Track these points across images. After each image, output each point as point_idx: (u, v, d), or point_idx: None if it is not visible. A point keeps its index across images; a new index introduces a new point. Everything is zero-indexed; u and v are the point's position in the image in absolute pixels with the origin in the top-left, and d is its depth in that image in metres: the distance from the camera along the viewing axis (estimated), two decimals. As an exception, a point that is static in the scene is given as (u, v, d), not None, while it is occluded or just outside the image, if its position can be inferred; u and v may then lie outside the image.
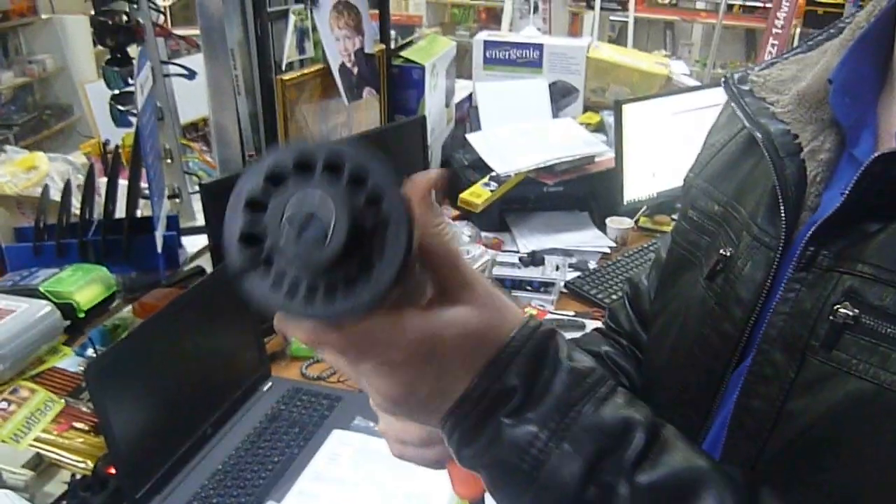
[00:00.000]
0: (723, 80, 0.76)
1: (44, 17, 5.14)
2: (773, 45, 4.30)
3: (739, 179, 0.74)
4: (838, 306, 0.57)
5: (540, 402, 0.51)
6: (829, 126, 0.67)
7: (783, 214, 0.65)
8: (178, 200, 2.00)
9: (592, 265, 2.15)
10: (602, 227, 2.33)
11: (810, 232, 0.61)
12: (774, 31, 4.27)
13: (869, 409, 0.54)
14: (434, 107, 2.42)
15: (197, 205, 1.97)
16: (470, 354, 0.51)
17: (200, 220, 1.87)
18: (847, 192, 0.58)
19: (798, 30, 4.74)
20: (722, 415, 0.69)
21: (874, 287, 0.55)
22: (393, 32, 2.30)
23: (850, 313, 0.56)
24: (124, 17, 1.77)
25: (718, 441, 0.68)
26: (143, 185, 1.74)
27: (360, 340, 0.47)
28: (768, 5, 4.53)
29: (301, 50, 1.85)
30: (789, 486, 0.60)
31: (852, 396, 0.55)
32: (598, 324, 1.85)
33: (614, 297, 1.96)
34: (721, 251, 0.72)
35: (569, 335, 1.72)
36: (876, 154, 0.56)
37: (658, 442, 0.54)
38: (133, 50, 1.79)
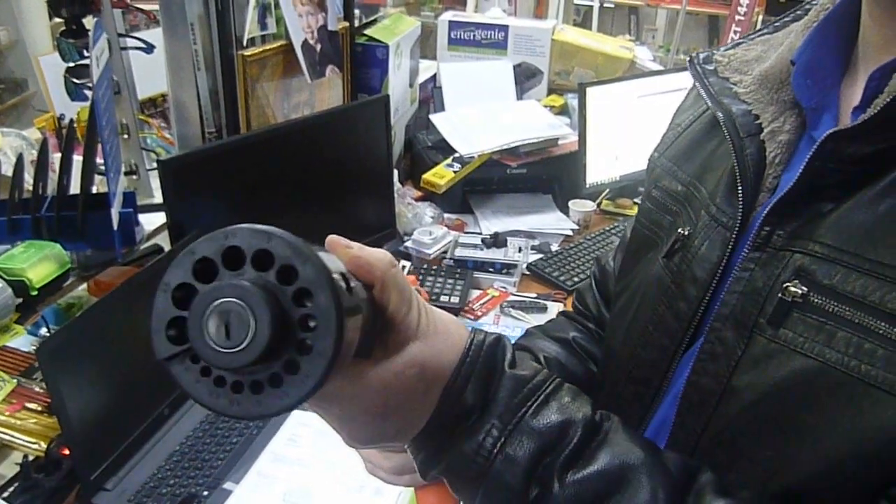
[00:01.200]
0: (688, 59, 0.76)
1: (-3, -13, 5.01)
2: (735, 32, 4.33)
3: (702, 159, 0.75)
4: (788, 284, 0.57)
5: (485, 411, 0.55)
6: (790, 107, 0.67)
7: (741, 195, 0.65)
8: (135, 177, 1.96)
9: (555, 247, 2.15)
10: (565, 210, 2.34)
11: (765, 211, 0.61)
12: (737, 17, 4.30)
13: (813, 386, 0.55)
14: (398, 86, 2.40)
15: (155, 182, 1.93)
16: (427, 387, 0.53)
17: (158, 198, 1.83)
18: (801, 171, 0.58)
19: (760, 17, 4.77)
20: (672, 393, 0.70)
21: (824, 265, 0.56)
22: (357, 11, 2.27)
23: (799, 291, 0.57)
24: (80, -12, 1.73)
25: (668, 418, 0.68)
26: (99, 160, 1.70)
27: (322, 401, 0.51)
28: (731, -8, 4.56)
29: (263, 26, 1.81)
30: (731, 461, 0.61)
31: (797, 374, 0.56)
32: (560, 306, 1.86)
33: (576, 279, 1.97)
34: (679, 230, 0.72)
35: (531, 317, 1.73)
36: (828, 132, 0.56)
37: (597, 438, 0.56)
38: (89, 21, 1.74)
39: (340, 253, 0.51)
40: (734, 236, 0.65)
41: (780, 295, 0.58)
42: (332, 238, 0.52)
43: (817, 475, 0.55)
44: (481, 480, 0.55)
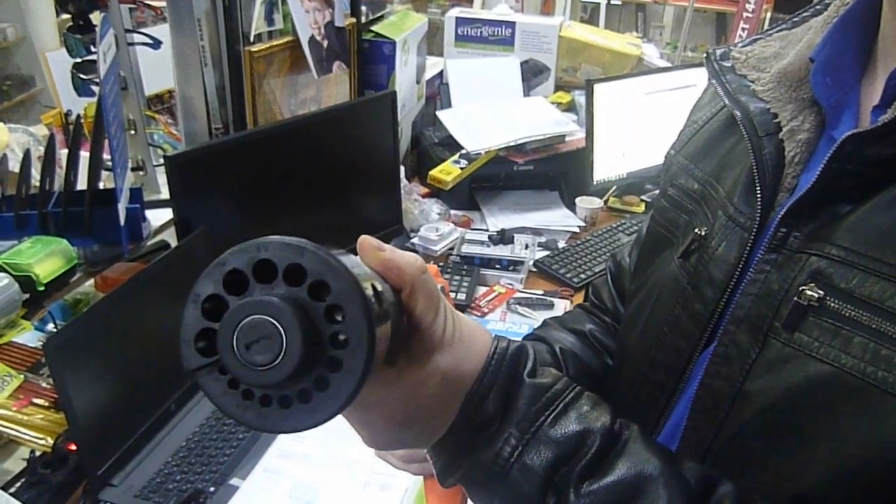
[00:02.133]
0: (704, 55, 0.75)
1: (4, -16, 5.01)
2: (743, 29, 4.31)
3: (719, 158, 0.73)
4: (804, 287, 0.56)
5: (504, 420, 0.54)
6: (809, 106, 0.66)
7: (759, 195, 0.64)
8: (141, 173, 1.96)
9: (561, 244, 2.15)
10: (571, 207, 2.33)
11: (782, 213, 0.60)
12: (745, 14, 4.29)
13: (828, 392, 0.54)
14: (404, 83, 2.40)
15: (162, 178, 1.93)
16: (449, 395, 0.53)
17: (165, 194, 1.83)
18: (818, 173, 0.57)
19: (769, 14, 4.76)
20: (687, 395, 0.69)
21: (841, 269, 0.55)
22: (364, 7, 2.27)
23: (816, 295, 0.55)
24: (87, -16, 1.72)
25: (682, 421, 0.67)
26: (106, 156, 1.70)
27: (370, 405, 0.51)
28: (739, -12, 4.54)
29: (270, 21, 1.81)
30: (743, 467, 0.60)
31: (812, 379, 0.55)
32: (567, 303, 1.86)
33: (583, 276, 1.97)
34: (696, 230, 0.71)
35: (538, 314, 1.72)
36: (847, 134, 0.55)
37: (615, 448, 0.55)
38: (96, 17, 1.74)
39: (371, 255, 0.50)
40: (752, 237, 0.64)
41: (795, 298, 0.57)
42: (364, 239, 0.51)
43: (832, 483, 0.54)
44: (498, 488, 0.54)
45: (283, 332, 0.35)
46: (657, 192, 2.64)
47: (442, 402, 0.53)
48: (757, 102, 0.68)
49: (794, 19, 0.73)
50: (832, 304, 0.55)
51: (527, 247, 2.03)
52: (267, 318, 0.35)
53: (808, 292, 0.56)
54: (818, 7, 0.70)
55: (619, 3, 6.48)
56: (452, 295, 1.79)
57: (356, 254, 0.49)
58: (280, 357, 0.35)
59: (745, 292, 0.62)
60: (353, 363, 0.37)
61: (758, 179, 0.64)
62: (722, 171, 0.72)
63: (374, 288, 0.41)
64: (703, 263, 0.69)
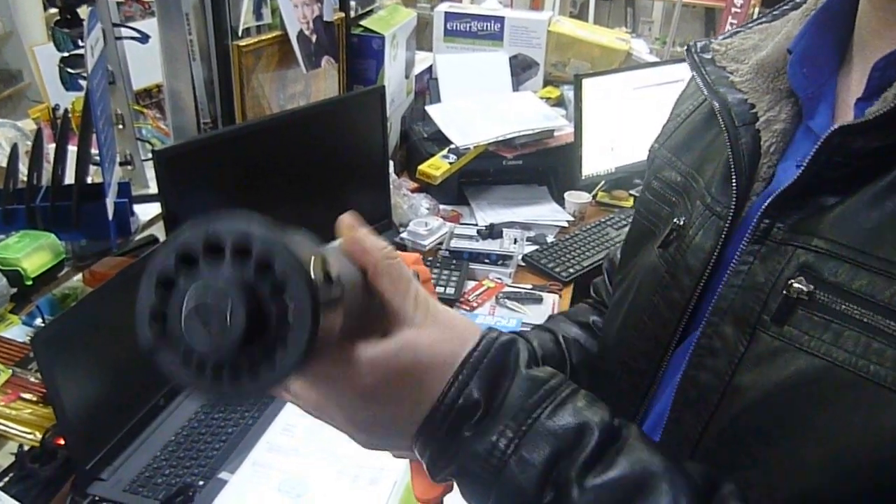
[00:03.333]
0: (685, 48, 0.76)
1: (-9, -22, 4.98)
2: (731, 24, 4.33)
3: (701, 150, 0.74)
4: (792, 281, 0.56)
5: (499, 411, 0.53)
6: (786, 96, 0.66)
7: (734, 184, 0.64)
8: (130, 167, 1.95)
9: (550, 239, 2.15)
10: (560, 202, 2.34)
11: (765, 204, 0.60)
12: (733, 10, 4.31)
13: (820, 386, 0.54)
14: (394, 77, 2.40)
15: (150, 172, 1.92)
16: (423, 374, 0.53)
17: (153, 188, 1.83)
18: (805, 164, 0.57)
19: (756, 8, 4.77)
20: (669, 386, 0.69)
21: (829, 262, 0.54)
22: (353, 1, 2.26)
23: (805, 288, 0.55)
24: (74, -23, 1.72)
25: (665, 412, 0.67)
26: (94, 151, 1.69)
27: (314, 384, 0.52)
28: (728, -16, 4.55)
29: (258, 16, 1.81)
30: (735, 462, 0.59)
31: (803, 373, 0.54)
32: (556, 297, 1.86)
33: (571, 270, 1.97)
34: (675, 220, 0.72)
35: (527, 308, 1.73)
36: (835, 126, 0.55)
37: (616, 444, 0.54)
38: (84, 11, 1.73)
39: (343, 232, 0.53)
40: (727, 226, 0.64)
41: (784, 291, 0.56)
42: (343, 216, 0.53)
43: (826, 479, 0.53)
44: (494, 483, 0.53)
45: (228, 307, 0.37)
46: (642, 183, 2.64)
47: (415, 380, 0.52)
48: (735, 93, 0.68)
49: (775, 12, 0.73)
50: (822, 298, 0.54)
51: (515, 241, 2.03)
52: (213, 295, 0.37)
53: (797, 286, 0.55)
54: (798, 0, 0.71)
55: (609, -2, 6.49)
56: (441, 289, 1.79)
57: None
58: (225, 332, 0.37)
59: (729, 283, 0.61)
60: (296, 337, 0.38)
61: (734, 169, 0.65)
62: (703, 162, 0.72)
63: (324, 266, 0.42)
64: (680, 252, 0.69)
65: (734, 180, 0.64)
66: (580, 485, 0.52)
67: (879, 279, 0.51)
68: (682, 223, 0.71)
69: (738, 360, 0.59)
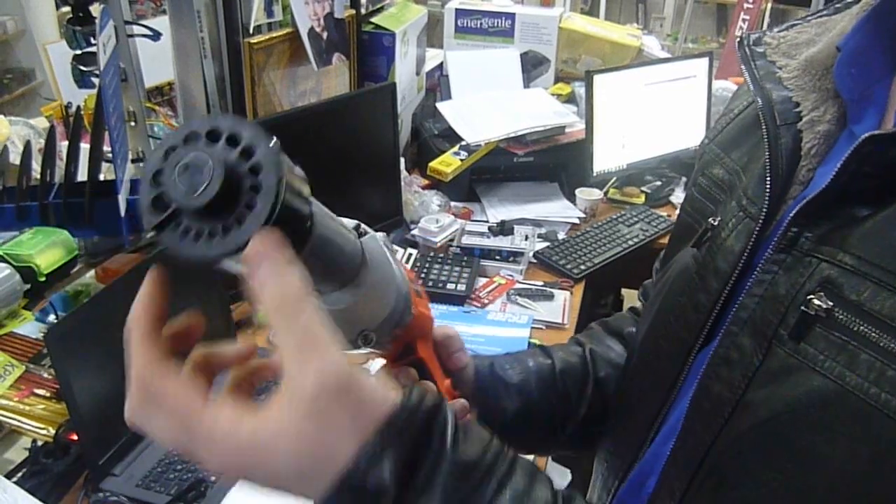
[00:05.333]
0: (737, 40, 0.72)
1: (4, -22, 5.01)
2: (744, 20, 4.31)
3: (749, 148, 0.70)
4: (812, 296, 0.53)
5: (420, 497, 0.44)
6: (833, 97, 0.62)
7: (768, 185, 0.61)
8: (142, 164, 1.96)
9: (561, 235, 2.15)
10: (571, 198, 2.34)
11: (794, 211, 0.56)
12: (746, 5, 4.28)
13: (829, 410, 0.51)
14: (404, 74, 2.40)
15: (162, 170, 1.93)
16: (299, 482, 0.44)
17: (165, 186, 1.83)
18: (834, 174, 0.53)
19: (769, 5, 4.75)
20: (688, 392, 0.66)
21: (853, 279, 0.51)
22: (363, -1, 2.27)
23: (824, 305, 0.52)
24: (86, -25, 1.72)
25: (679, 422, 0.65)
26: (107, 148, 1.70)
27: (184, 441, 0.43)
28: (740, -20, 4.53)
29: (269, 13, 1.81)
30: (737, 480, 0.57)
31: (814, 395, 0.52)
32: (567, 294, 1.86)
33: (583, 267, 1.97)
34: (710, 219, 0.69)
35: (538, 305, 1.72)
36: (866, 135, 0.52)
37: None
38: (96, 9, 1.74)
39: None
40: (758, 228, 0.61)
41: (802, 307, 0.53)
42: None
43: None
44: None
45: (210, 170, 0.43)
46: (658, 183, 2.64)
47: (294, 478, 0.43)
48: (781, 90, 0.64)
49: (837, 5, 0.69)
50: (840, 317, 0.51)
51: (527, 238, 2.03)
52: (200, 159, 0.44)
53: (817, 301, 0.52)
54: None
55: (620, -6, 6.48)
56: (452, 286, 1.79)
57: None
58: (203, 188, 0.43)
59: (750, 293, 0.59)
60: (265, 194, 0.44)
61: (769, 170, 0.61)
62: (750, 161, 0.69)
63: (300, 185, 0.49)
64: (711, 253, 0.67)
65: (768, 181, 0.61)
66: None
67: None
68: (716, 223, 0.68)
69: (752, 375, 0.56)
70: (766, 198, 0.61)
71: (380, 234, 0.61)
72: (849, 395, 0.49)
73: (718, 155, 0.75)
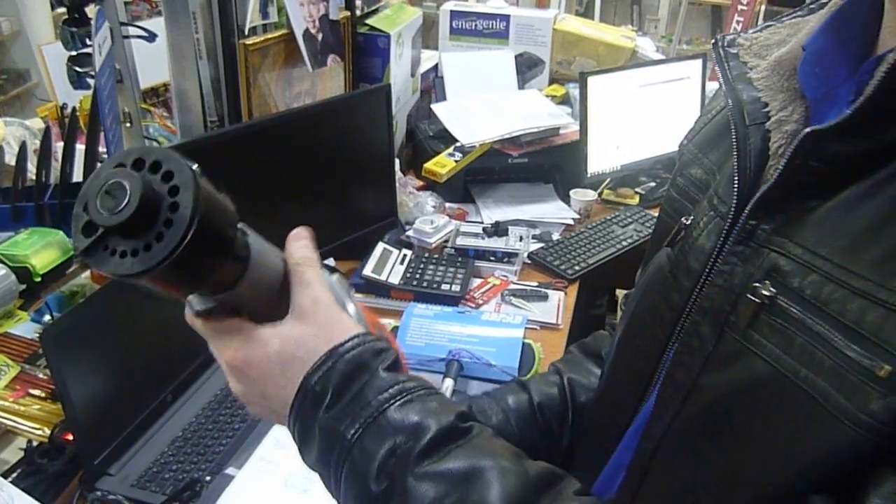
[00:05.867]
0: (713, 41, 0.73)
1: (-2, -22, 5.00)
2: (738, 22, 4.33)
3: (725, 148, 0.71)
4: (758, 285, 0.56)
5: (351, 402, 0.58)
6: (800, 96, 0.63)
7: (736, 185, 0.62)
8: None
9: (556, 236, 2.16)
10: (566, 199, 2.34)
11: (750, 204, 0.59)
12: (740, 7, 4.30)
13: (765, 393, 0.53)
14: (399, 76, 2.40)
15: (157, 171, 1.93)
16: (291, 363, 0.60)
17: (161, 187, 1.84)
18: (781, 167, 0.56)
19: (763, 7, 4.76)
20: (659, 386, 0.69)
21: (797, 268, 0.54)
22: (358, 0, 2.27)
23: (768, 293, 0.55)
24: (82, -23, 1.73)
25: (649, 412, 0.68)
26: (102, 149, 1.70)
27: (206, 336, 0.62)
28: (734, -18, 4.54)
29: (264, 14, 1.81)
30: (689, 463, 0.60)
31: (752, 378, 0.54)
32: (561, 295, 1.87)
33: (577, 268, 1.98)
34: (683, 219, 0.71)
35: (532, 305, 1.73)
36: (807, 129, 0.54)
37: (456, 442, 0.59)
38: (91, 10, 1.74)
39: (288, 239, 0.65)
40: (727, 227, 0.63)
41: (749, 295, 0.56)
42: (297, 229, 0.65)
43: (769, 491, 0.52)
44: (342, 467, 0.58)
45: (127, 191, 0.46)
46: (652, 184, 2.64)
47: (280, 365, 0.59)
48: (751, 90, 0.66)
49: (811, 6, 0.70)
50: (783, 304, 0.54)
51: (521, 239, 2.04)
52: (120, 181, 0.47)
53: (762, 290, 0.55)
54: None
55: (615, -4, 6.49)
56: (446, 287, 1.80)
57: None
58: (122, 207, 0.46)
59: (713, 283, 0.62)
60: (180, 219, 0.47)
61: (737, 170, 0.63)
62: (724, 161, 0.70)
63: (223, 208, 0.52)
64: (683, 252, 0.68)
65: (737, 181, 0.63)
66: (411, 473, 0.56)
67: (837, 288, 0.51)
68: (689, 222, 0.70)
69: (705, 360, 0.60)
70: (735, 197, 0.62)
71: (335, 276, 0.67)
72: (782, 378, 0.52)
73: (696, 155, 0.76)
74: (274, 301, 0.61)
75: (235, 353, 0.60)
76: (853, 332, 0.49)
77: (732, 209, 0.62)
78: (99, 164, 1.73)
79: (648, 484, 0.65)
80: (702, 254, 0.65)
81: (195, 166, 0.49)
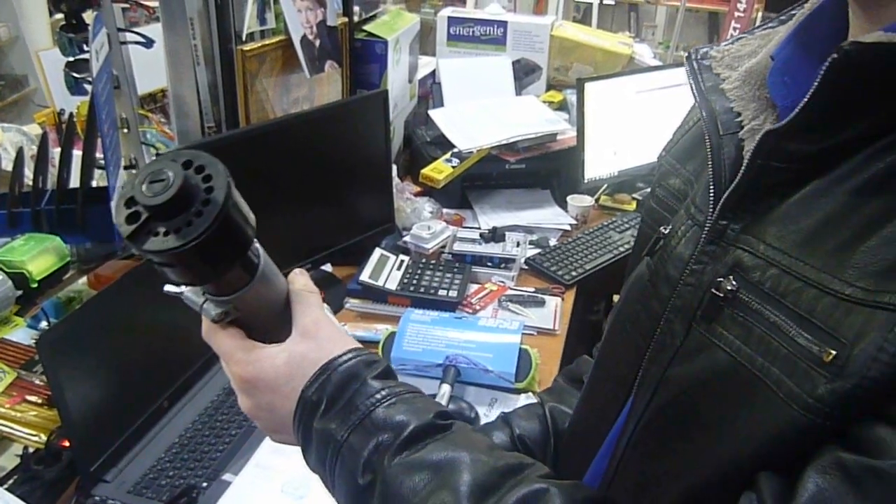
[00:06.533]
0: (686, 55, 0.74)
1: (-3, -16, 5.00)
2: (735, 29, 4.33)
3: (701, 159, 0.72)
4: (722, 280, 0.58)
5: (342, 408, 0.63)
6: (771, 105, 0.65)
7: (712, 193, 0.64)
8: (134, 171, 1.96)
9: (553, 242, 2.16)
10: (563, 205, 2.35)
11: (719, 205, 0.61)
12: (737, 14, 4.31)
13: (725, 383, 0.56)
14: (397, 82, 2.41)
15: (155, 176, 1.93)
16: (295, 377, 0.64)
17: (158, 192, 1.83)
18: (743, 168, 0.58)
19: (760, 13, 4.77)
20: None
21: (758, 263, 0.56)
22: (356, 6, 2.28)
23: (731, 287, 0.57)
24: (79, -18, 1.73)
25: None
26: (99, 155, 1.70)
27: (221, 349, 0.66)
28: (731, -12, 4.55)
29: (262, 21, 1.82)
30: (658, 451, 0.63)
31: (715, 369, 0.57)
32: (558, 300, 1.86)
33: (574, 273, 1.98)
34: (661, 228, 0.72)
35: (529, 311, 1.72)
36: (765, 129, 0.56)
37: (434, 436, 0.63)
38: (89, 16, 1.75)
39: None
40: (704, 235, 0.64)
41: (713, 289, 0.59)
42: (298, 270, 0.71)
43: (724, 476, 0.55)
44: (334, 467, 0.63)
45: (169, 179, 0.52)
46: (648, 190, 2.64)
47: (287, 378, 0.64)
48: (724, 101, 0.67)
49: (782, 17, 0.71)
50: (743, 297, 0.56)
51: (518, 245, 2.04)
52: (163, 171, 0.53)
53: (725, 285, 0.58)
54: (805, 2, 0.68)
55: (612, 2, 6.50)
56: (443, 293, 1.79)
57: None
58: (162, 191, 0.52)
59: (685, 283, 0.64)
60: (213, 203, 0.53)
61: (712, 179, 0.64)
62: (701, 171, 0.71)
63: (247, 214, 0.59)
64: (662, 261, 0.69)
65: (712, 190, 0.64)
66: (390, 464, 0.60)
67: (794, 281, 0.53)
68: (667, 231, 0.71)
69: (674, 354, 0.62)
70: (711, 205, 0.64)
71: (325, 307, 0.72)
72: (740, 368, 0.55)
73: (674, 166, 0.78)
74: (276, 319, 0.67)
75: (245, 367, 0.64)
76: (806, 321, 0.51)
77: (709, 217, 0.63)
78: (97, 170, 1.74)
79: (620, 477, 0.69)
80: (679, 262, 0.66)
81: (228, 172, 0.56)
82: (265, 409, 0.66)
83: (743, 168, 0.58)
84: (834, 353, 0.49)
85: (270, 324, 0.67)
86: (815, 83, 0.52)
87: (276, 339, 0.67)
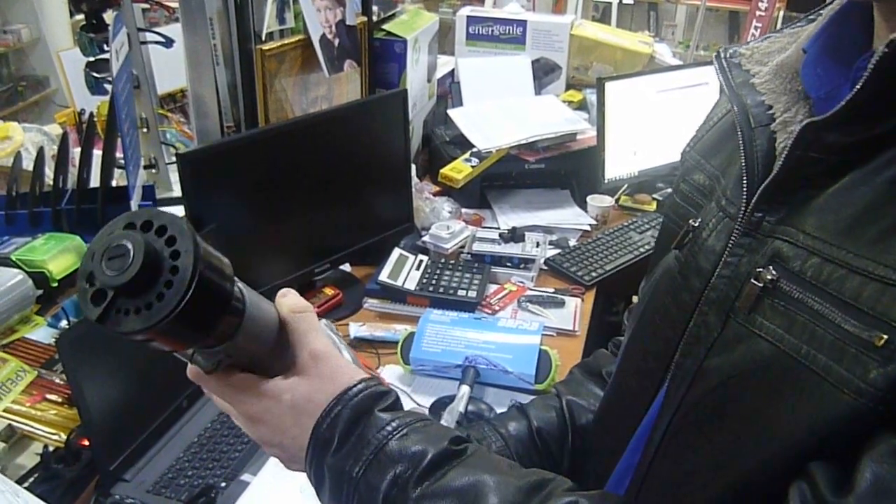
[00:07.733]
0: (715, 53, 0.75)
1: (19, -14, 5.05)
2: (756, 28, 4.30)
3: (728, 153, 0.73)
4: (762, 270, 0.58)
5: (355, 444, 0.64)
6: (803, 98, 0.65)
7: (745, 186, 0.64)
8: (154, 171, 1.97)
9: (573, 242, 2.15)
10: (583, 205, 2.33)
11: (755, 196, 0.62)
12: (758, 13, 4.27)
13: (769, 372, 0.56)
14: (416, 81, 2.40)
15: (174, 176, 1.94)
16: (303, 416, 0.64)
17: (177, 191, 1.84)
18: (782, 159, 0.59)
19: (781, 12, 4.73)
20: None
21: (799, 252, 0.56)
22: (375, 6, 2.27)
23: (771, 276, 0.57)
24: (100, -17, 1.74)
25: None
26: (119, 154, 1.71)
27: (218, 394, 0.67)
28: (752, -13, 4.51)
29: (281, 20, 1.82)
30: (694, 443, 0.63)
31: (758, 359, 0.57)
32: (578, 301, 1.85)
33: (594, 274, 1.96)
34: (690, 221, 0.72)
35: (549, 312, 1.72)
36: (806, 121, 0.57)
37: (453, 461, 0.63)
38: (109, 16, 1.75)
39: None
40: (738, 227, 0.64)
41: (753, 280, 0.59)
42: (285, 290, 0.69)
43: (769, 465, 0.55)
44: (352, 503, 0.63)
45: (130, 252, 0.49)
46: (669, 190, 2.62)
47: (294, 417, 0.64)
48: (755, 95, 0.68)
49: (810, 16, 0.72)
50: (784, 287, 0.57)
51: (538, 245, 2.02)
52: (121, 243, 0.49)
53: (765, 275, 0.58)
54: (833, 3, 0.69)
55: (632, 1, 6.46)
56: (463, 293, 1.79)
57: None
58: (125, 268, 0.49)
59: (719, 275, 0.64)
60: (181, 279, 0.49)
61: (745, 171, 0.64)
62: (729, 165, 0.72)
63: (220, 265, 0.54)
64: (693, 253, 0.70)
65: (745, 182, 0.64)
66: (412, 496, 0.61)
67: (837, 269, 0.53)
68: (697, 224, 0.71)
69: (711, 345, 0.62)
70: (744, 197, 0.64)
71: (323, 321, 0.71)
72: (785, 357, 0.55)
73: (699, 161, 0.78)
74: (273, 350, 0.66)
75: (250, 407, 0.65)
76: (851, 308, 0.51)
77: (742, 209, 0.64)
78: (117, 170, 1.74)
79: (653, 473, 0.68)
80: (712, 254, 0.67)
81: (191, 229, 0.52)
82: (276, 444, 0.67)
83: (782, 159, 0.59)
84: (886, 337, 0.49)
85: (266, 357, 0.66)
86: (865, 75, 0.52)
87: (276, 365, 0.66)
